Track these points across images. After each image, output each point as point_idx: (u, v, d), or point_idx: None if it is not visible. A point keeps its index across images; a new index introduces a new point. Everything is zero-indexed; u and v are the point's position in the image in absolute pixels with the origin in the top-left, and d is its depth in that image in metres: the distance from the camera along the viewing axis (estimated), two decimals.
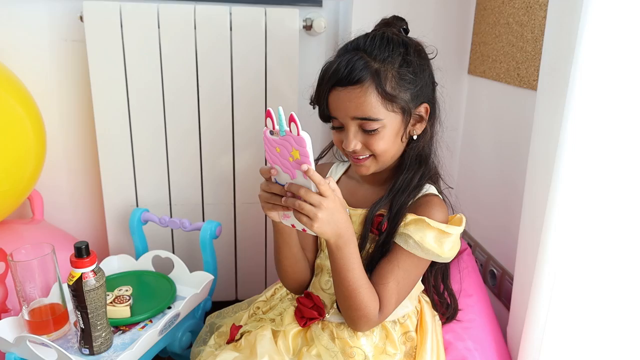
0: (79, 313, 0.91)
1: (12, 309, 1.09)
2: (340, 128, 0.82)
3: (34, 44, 1.27)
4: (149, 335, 0.98)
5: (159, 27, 1.22)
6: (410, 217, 0.81)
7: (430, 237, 0.79)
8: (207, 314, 1.19)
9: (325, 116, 0.83)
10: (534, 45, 1.03)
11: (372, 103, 0.77)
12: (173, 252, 1.37)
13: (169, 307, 1.10)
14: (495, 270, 1.19)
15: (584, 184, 0.76)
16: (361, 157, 0.83)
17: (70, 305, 1.01)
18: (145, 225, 1.28)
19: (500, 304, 1.17)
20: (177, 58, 1.24)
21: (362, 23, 1.25)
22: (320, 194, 0.69)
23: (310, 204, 0.68)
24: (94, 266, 0.90)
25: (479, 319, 0.94)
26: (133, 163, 1.30)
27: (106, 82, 1.24)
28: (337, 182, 0.93)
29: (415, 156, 0.85)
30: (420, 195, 0.85)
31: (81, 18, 1.21)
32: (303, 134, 0.65)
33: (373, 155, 0.82)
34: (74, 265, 0.89)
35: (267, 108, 0.72)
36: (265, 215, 1.37)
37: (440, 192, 0.89)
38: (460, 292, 0.96)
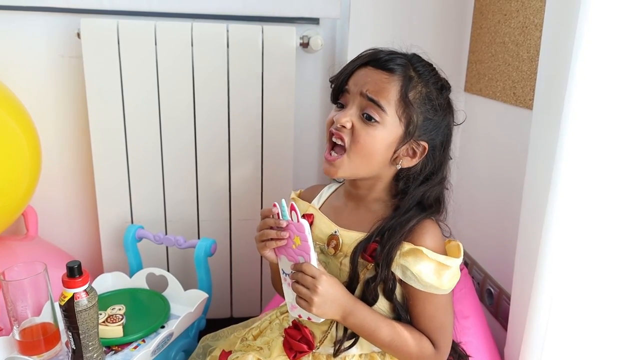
0: (70, 333, 0.89)
1: (3, 327, 1.07)
2: (343, 107, 0.80)
3: (30, 60, 1.27)
4: (142, 356, 0.97)
5: (156, 44, 1.22)
6: (407, 246, 0.76)
7: (429, 270, 0.75)
8: (201, 332, 1.17)
9: (338, 91, 0.81)
10: (530, 64, 1.03)
11: (390, 94, 0.76)
12: (168, 270, 1.36)
13: (163, 327, 1.08)
14: (492, 290, 1.18)
15: (580, 204, 0.76)
16: (337, 144, 0.78)
17: (62, 325, 1.00)
18: (139, 242, 1.27)
19: (497, 323, 1.16)
20: (174, 75, 1.24)
21: (359, 41, 1.26)
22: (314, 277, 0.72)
23: (306, 287, 0.71)
24: (86, 286, 0.89)
25: (476, 342, 0.93)
26: (128, 179, 1.30)
27: (102, 98, 1.24)
28: (325, 202, 0.91)
29: (416, 202, 0.80)
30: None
31: (78, 35, 1.22)
32: (302, 220, 0.72)
33: (347, 155, 0.78)
34: (66, 285, 0.88)
35: (274, 202, 0.76)
36: None
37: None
38: (457, 314, 0.95)
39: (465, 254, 1.31)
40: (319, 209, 0.89)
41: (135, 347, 1.01)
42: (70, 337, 0.90)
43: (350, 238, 0.81)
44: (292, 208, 0.73)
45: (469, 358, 0.87)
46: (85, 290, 0.89)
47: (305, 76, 1.34)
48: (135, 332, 1.03)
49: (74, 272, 0.88)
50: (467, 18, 1.30)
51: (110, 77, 1.22)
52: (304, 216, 0.82)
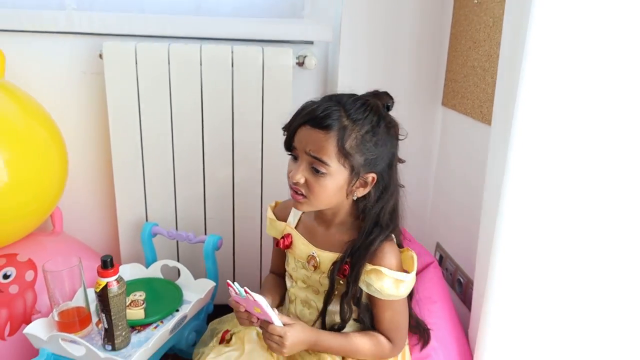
0: (104, 315, 1.07)
1: (41, 311, 1.25)
2: (295, 159, 0.95)
3: (56, 76, 1.43)
4: (161, 334, 1.14)
5: (169, 63, 1.38)
6: (370, 266, 0.94)
7: (389, 284, 0.93)
8: (209, 316, 1.35)
9: (289, 144, 0.96)
10: (493, 88, 1.20)
11: (329, 150, 0.89)
12: (178, 261, 1.53)
13: (177, 310, 1.26)
14: (461, 279, 1.37)
15: (524, 206, 0.93)
16: (298, 192, 0.94)
17: (92, 308, 1.17)
18: (154, 237, 1.44)
19: (465, 308, 1.34)
20: (184, 90, 1.40)
21: (349, 61, 1.42)
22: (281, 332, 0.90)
23: (275, 342, 0.91)
24: (116, 276, 1.06)
25: (442, 322, 1.11)
26: (144, 182, 1.47)
27: (122, 110, 1.40)
28: (299, 221, 1.08)
29: (374, 223, 0.96)
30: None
31: (100, 55, 1.38)
32: (257, 297, 0.88)
33: (308, 200, 0.94)
34: (101, 275, 1.05)
35: (227, 281, 0.94)
36: (261, 228, 1.54)
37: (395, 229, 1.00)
38: (424, 300, 1.12)
39: (440, 248, 1.50)
40: (296, 227, 1.07)
41: (155, 327, 1.19)
42: (104, 318, 1.07)
43: (326, 258, 1.00)
44: (246, 292, 0.88)
45: (430, 330, 1.08)
46: (116, 280, 1.06)
47: (301, 91, 1.50)
48: (154, 315, 1.21)
49: (107, 264, 1.05)
50: (445, 41, 1.47)
51: (128, 92, 1.39)
52: (283, 237, 1.05)
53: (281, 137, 1.46)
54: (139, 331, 1.17)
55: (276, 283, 1.14)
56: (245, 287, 0.90)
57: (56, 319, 1.13)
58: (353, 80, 1.42)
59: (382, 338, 0.99)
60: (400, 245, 1.03)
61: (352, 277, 0.95)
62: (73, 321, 1.14)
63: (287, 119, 1.48)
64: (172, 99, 1.41)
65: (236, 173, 1.49)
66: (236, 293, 0.91)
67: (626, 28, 0.82)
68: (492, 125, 1.03)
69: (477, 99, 1.29)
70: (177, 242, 1.54)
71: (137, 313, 1.19)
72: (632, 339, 0.96)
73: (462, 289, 1.37)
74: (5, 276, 1.24)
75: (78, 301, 1.17)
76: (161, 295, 1.30)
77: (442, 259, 1.49)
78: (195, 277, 1.35)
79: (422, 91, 1.51)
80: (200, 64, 1.39)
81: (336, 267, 0.97)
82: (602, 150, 0.88)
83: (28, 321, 1.20)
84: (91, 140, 1.50)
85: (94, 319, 1.18)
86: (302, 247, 1.04)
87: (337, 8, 1.43)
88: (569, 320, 0.97)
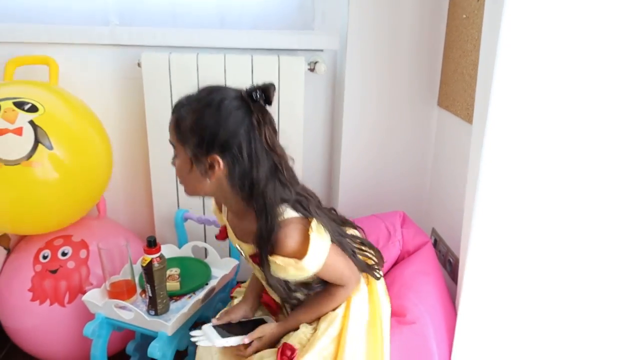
0: (148, 286, 1.29)
1: (92, 283, 1.48)
2: None
3: (102, 82, 1.65)
4: (194, 303, 1.36)
5: (197, 71, 1.59)
6: (269, 257, 0.99)
7: (291, 270, 0.98)
8: (231, 289, 1.57)
9: None
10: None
11: (174, 133, 1.00)
12: (205, 242, 1.75)
13: (207, 284, 1.48)
14: (451, 260, 1.57)
15: (495, 196, 1.12)
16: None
17: (136, 280, 1.40)
18: (185, 222, 1.66)
19: (454, 285, 1.54)
20: None
21: (355, 66, 1.61)
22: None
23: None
24: (159, 254, 1.28)
25: (433, 290, 1.29)
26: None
27: (157, 111, 1.61)
28: (227, 215, 1.16)
29: (260, 205, 0.99)
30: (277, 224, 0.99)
31: (139, 64, 1.59)
32: (220, 342, 1.08)
33: None
34: (146, 252, 1.27)
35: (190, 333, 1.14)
36: None
37: (303, 205, 1.03)
38: (419, 272, 1.32)
39: (435, 232, 1.70)
40: (227, 220, 1.16)
41: (189, 297, 1.41)
42: (148, 288, 1.30)
43: (247, 250, 1.10)
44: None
45: (383, 261, 1.22)
46: (159, 257, 1.28)
47: (312, 94, 1.70)
48: (187, 287, 1.43)
49: (151, 244, 1.27)
50: (439, 50, 1.65)
51: (163, 95, 1.60)
52: (222, 230, 1.17)
53: (295, 135, 1.67)
54: (176, 300, 1.39)
55: (256, 283, 1.25)
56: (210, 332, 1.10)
57: (108, 289, 1.36)
58: (358, 84, 1.62)
59: (333, 289, 1.07)
60: (308, 213, 1.02)
61: (265, 269, 1.01)
62: (122, 291, 1.36)
63: (300, 119, 1.68)
64: None
65: None
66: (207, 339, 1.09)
67: (585, 40, 1.00)
68: (472, 124, 1.22)
69: (464, 102, 1.48)
70: (204, 226, 1.76)
71: (174, 285, 1.41)
72: (604, 303, 1.16)
73: (451, 267, 1.57)
74: (63, 254, 1.47)
75: (124, 275, 1.40)
76: (193, 271, 1.51)
77: (437, 242, 1.69)
78: (221, 256, 1.57)
79: (421, 93, 1.69)
80: (225, 71, 1.59)
81: (256, 258, 1.04)
82: (565, 143, 1.06)
83: (83, 292, 1.43)
84: (131, 137, 1.72)
85: (138, 290, 1.41)
86: (232, 238, 1.14)
87: (344, 20, 1.62)
88: (535, 292, 1.17)
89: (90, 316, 1.36)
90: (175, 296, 1.41)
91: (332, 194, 1.86)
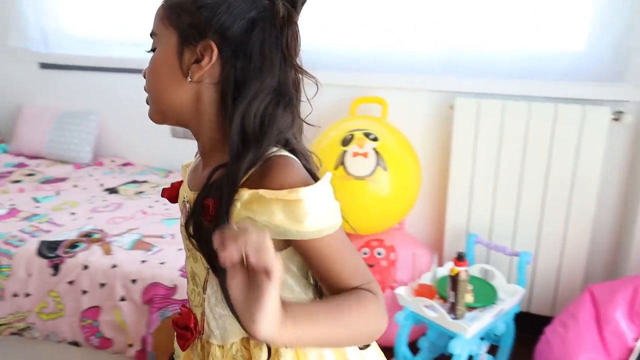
0: (453, 293, 1.54)
1: (396, 281, 1.81)
2: None
3: (419, 119, 1.99)
4: (486, 317, 1.57)
5: (502, 116, 1.80)
6: (244, 193, 0.63)
7: (279, 213, 0.62)
8: (517, 315, 1.73)
9: None
10: None
11: (158, 14, 0.70)
12: (488, 263, 1.95)
13: (494, 303, 1.67)
14: None
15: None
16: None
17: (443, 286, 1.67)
18: (475, 245, 1.89)
19: None
20: (511, 137, 1.80)
21: None
22: None
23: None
24: (465, 267, 1.53)
25: None
26: (469, 201, 1.93)
27: (463, 147, 1.87)
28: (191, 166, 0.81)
29: (239, 133, 0.65)
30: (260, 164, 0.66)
31: (451, 107, 1.89)
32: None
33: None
34: (456, 264, 1.53)
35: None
36: (563, 246, 1.83)
37: (298, 151, 0.70)
38: None
39: None
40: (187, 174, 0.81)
41: (480, 311, 1.62)
42: (452, 295, 1.55)
43: (193, 197, 0.70)
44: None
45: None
46: (465, 270, 1.53)
47: (614, 145, 1.75)
48: (480, 302, 1.64)
49: (461, 258, 1.53)
50: None
51: (468, 134, 1.86)
52: (173, 185, 0.81)
53: (587, 186, 1.73)
54: (470, 311, 1.62)
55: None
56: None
57: (415, 288, 1.67)
58: None
59: (361, 292, 0.66)
60: (315, 178, 0.68)
61: (220, 214, 0.63)
62: (425, 292, 1.65)
63: (597, 169, 1.74)
64: (502, 143, 1.83)
65: (544, 204, 1.84)
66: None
67: None
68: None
69: None
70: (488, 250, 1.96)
71: (469, 297, 1.64)
72: None
73: None
74: (378, 253, 1.84)
75: (425, 280, 1.68)
76: (481, 290, 1.72)
77: None
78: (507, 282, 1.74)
79: None
80: (528, 119, 1.78)
81: (197, 207, 0.66)
82: None
83: (390, 287, 1.77)
84: (436, 166, 2.03)
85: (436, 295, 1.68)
86: (181, 194, 0.78)
87: None
88: None
89: (395, 307, 1.68)
90: (469, 307, 1.64)
91: (622, 254, 1.85)
